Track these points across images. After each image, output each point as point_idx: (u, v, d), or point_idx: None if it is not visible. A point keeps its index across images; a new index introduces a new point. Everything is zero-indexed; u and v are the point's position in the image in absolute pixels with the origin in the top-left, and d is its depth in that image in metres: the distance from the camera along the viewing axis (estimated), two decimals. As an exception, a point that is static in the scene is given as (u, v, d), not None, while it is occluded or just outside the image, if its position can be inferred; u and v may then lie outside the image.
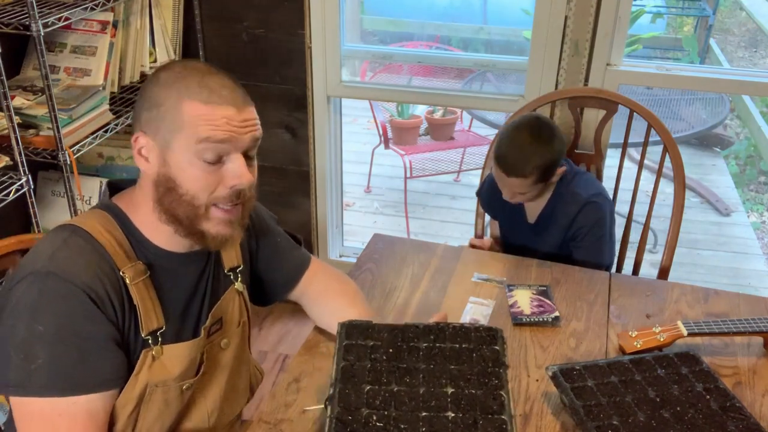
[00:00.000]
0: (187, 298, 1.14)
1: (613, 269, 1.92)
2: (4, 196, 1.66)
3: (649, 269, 2.86)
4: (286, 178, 2.58)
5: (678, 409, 1.09)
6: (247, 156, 1.06)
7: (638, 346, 1.34)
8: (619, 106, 2.00)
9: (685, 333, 1.34)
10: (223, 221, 1.06)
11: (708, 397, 1.13)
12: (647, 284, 1.63)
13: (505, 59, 2.47)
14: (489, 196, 1.94)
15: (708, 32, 5.49)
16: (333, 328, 1.24)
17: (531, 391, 1.28)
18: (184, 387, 1.13)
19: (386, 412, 1.03)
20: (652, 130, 1.95)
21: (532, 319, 1.46)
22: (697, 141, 4.65)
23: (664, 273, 1.92)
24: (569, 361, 1.35)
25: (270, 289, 1.37)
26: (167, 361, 1.09)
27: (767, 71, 2.27)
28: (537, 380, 1.30)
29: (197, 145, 1.00)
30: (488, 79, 4.17)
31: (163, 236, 1.08)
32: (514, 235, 1.94)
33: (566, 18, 2.08)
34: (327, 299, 1.38)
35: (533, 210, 1.86)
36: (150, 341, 1.07)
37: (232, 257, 1.24)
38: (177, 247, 1.10)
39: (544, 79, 2.18)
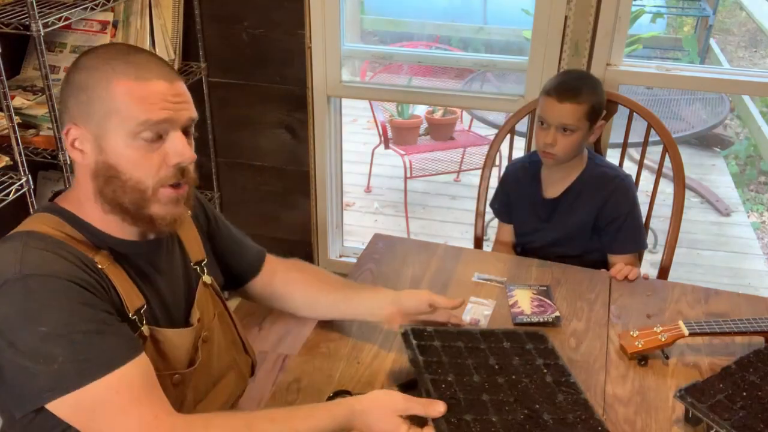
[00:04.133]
0: (160, 285, 1.12)
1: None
2: (4, 196, 1.66)
3: (649, 269, 2.85)
4: (286, 178, 2.58)
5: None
6: (185, 132, 1.04)
7: (639, 346, 1.34)
8: (619, 106, 2.00)
9: (687, 333, 1.34)
10: (172, 200, 1.04)
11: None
12: (648, 284, 1.62)
13: (505, 59, 2.47)
14: (510, 187, 1.95)
15: (708, 32, 5.49)
16: (316, 312, 1.37)
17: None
18: (175, 377, 1.11)
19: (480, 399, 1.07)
20: (652, 130, 1.95)
21: (532, 319, 1.46)
22: (697, 141, 4.65)
23: (664, 273, 1.92)
24: (570, 361, 1.35)
25: (236, 274, 1.36)
26: (155, 346, 1.07)
27: (767, 71, 2.27)
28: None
29: (135, 127, 0.98)
30: (488, 79, 4.17)
31: (115, 227, 1.06)
32: (528, 218, 1.93)
33: (566, 18, 2.08)
34: (301, 286, 1.39)
35: (556, 185, 1.85)
36: (137, 321, 1.05)
37: (195, 251, 1.22)
38: (132, 236, 1.08)
39: (544, 79, 2.18)
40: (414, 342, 1.15)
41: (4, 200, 1.66)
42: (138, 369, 0.99)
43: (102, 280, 1.02)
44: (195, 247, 1.23)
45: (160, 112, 0.99)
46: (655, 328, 1.36)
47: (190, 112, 1.04)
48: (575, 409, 1.09)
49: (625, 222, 1.80)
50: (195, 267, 1.22)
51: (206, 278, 1.23)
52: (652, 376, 1.32)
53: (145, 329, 1.06)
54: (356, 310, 1.36)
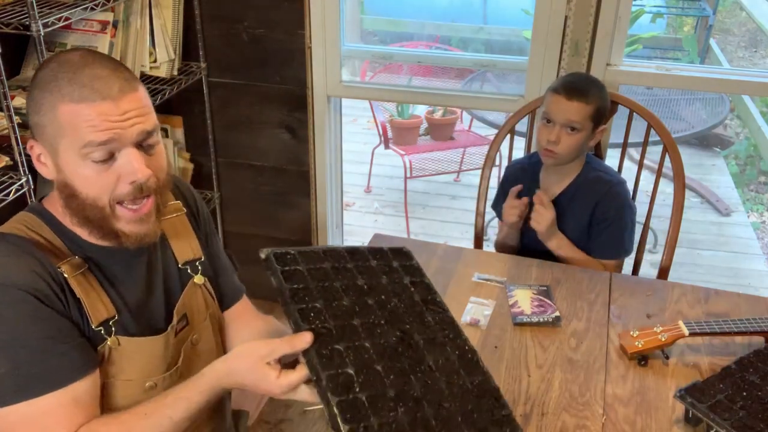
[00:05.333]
0: (136, 292, 1.11)
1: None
2: (4, 196, 1.66)
3: (649, 269, 2.86)
4: (286, 178, 2.58)
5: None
6: (142, 146, 1.01)
7: (639, 345, 1.34)
8: (619, 106, 2.00)
9: (687, 333, 1.34)
10: (133, 220, 1.03)
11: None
12: (648, 284, 1.63)
13: (505, 59, 2.47)
14: (510, 187, 1.93)
15: (708, 32, 5.49)
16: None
17: (531, 391, 1.28)
18: (147, 385, 1.10)
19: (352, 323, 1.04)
20: (652, 130, 1.94)
21: (532, 319, 1.46)
22: (697, 141, 4.65)
23: (664, 273, 1.92)
24: (570, 361, 1.35)
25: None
26: (125, 354, 1.07)
27: (767, 71, 2.27)
28: (536, 379, 1.30)
29: (81, 149, 0.97)
30: (488, 79, 4.17)
31: (89, 234, 1.06)
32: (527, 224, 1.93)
33: (566, 18, 2.08)
34: (245, 328, 1.31)
35: (553, 187, 1.85)
36: (103, 332, 1.04)
37: (186, 251, 1.20)
38: (109, 242, 1.07)
39: (544, 79, 2.18)
40: (278, 268, 1.07)
41: (4, 200, 1.66)
42: (75, 392, 0.99)
43: (63, 292, 1.01)
44: (186, 246, 1.21)
45: (102, 133, 0.96)
46: (655, 328, 1.36)
47: (144, 124, 1.00)
48: (443, 328, 1.10)
49: (609, 228, 1.80)
50: (185, 267, 1.20)
51: (198, 278, 1.21)
52: (652, 376, 1.32)
53: (111, 341, 1.05)
54: None
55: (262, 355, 0.99)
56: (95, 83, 0.96)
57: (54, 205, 1.07)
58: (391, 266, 1.18)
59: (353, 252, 1.17)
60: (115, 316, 1.06)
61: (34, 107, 1.00)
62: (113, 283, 1.08)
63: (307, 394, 0.99)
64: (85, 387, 1.01)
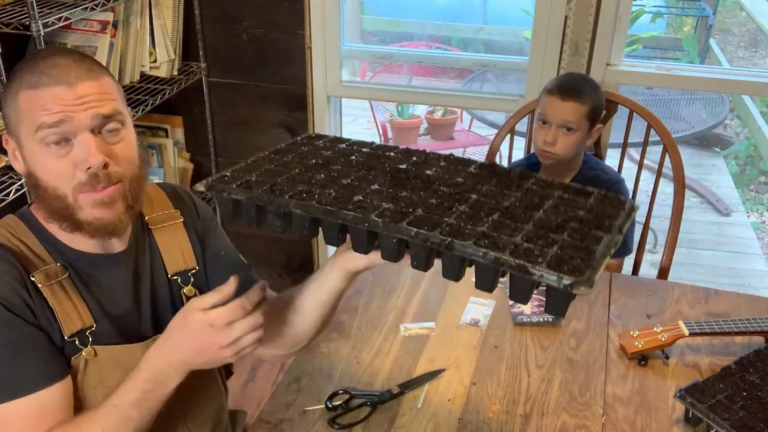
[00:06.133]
0: (117, 298, 1.10)
1: (614, 269, 1.92)
2: (4, 196, 1.66)
3: (649, 269, 2.86)
4: (286, 178, 2.58)
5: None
6: (101, 132, 1.00)
7: (639, 346, 1.34)
8: (619, 106, 2.00)
9: (687, 333, 1.34)
10: (97, 203, 1.00)
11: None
12: (647, 284, 1.63)
13: (505, 59, 2.47)
14: None
15: (708, 32, 5.49)
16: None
17: (531, 391, 1.28)
18: None
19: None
20: (652, 130, 1.95)
21: (532, 319, 1.46)
22: (697, 141, 4.65)
23: (664, 273, 1.92)
24: (570, 361, 1.35)
25: None
26: (103, 363, 1.05)
27: (767, 71, 2.27)
28: (537, 380, 1.30)
29: (36, 133, 0.97)
30: (488, 79, 4.17)
31: (71, 238, 1.05)
32: None
33: (566, 18, 2.08)
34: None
35: None
36: (78, 342, 1.02)
37: (178, 261, 1.18)
38: (93, 248, 1.07)
39: (544, 79, 2.18)
40: (232, 185, 0.97)
41: (4, 200, 1.66)
42: (40, 401, 0.98)
43: (34, 301, 1.00)
44: (179, 257, 1.18)
45: (54, 115, 0.96)
46: (655, 328, 1.36)
47: (99, 108, 0.98)
48: (410, 155, 1.06)
49: None
50: (175, 278, 1.17)
51: (188, 290, 1.18)
52: (652, 376, 1.32)
53: (87, 351, 1.03)
54: (311, 292, 1.15)
55: (192, 307, 0.96)
56: (53, 70, 0.97)
57: (39, 210, 1.06)
58: (317, 145, 1.10)
59: (278, 151, 1.08)
60: (92, 326, 1.04)
61: (4, 100, 1.01)
62: (94, 291, 1.07)
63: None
64: (51, 395, 0.99)
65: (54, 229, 1.05)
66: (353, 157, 1.04)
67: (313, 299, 1.12)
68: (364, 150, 1.07)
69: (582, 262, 0.78)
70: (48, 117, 0.96)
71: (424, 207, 0.89)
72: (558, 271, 0.76)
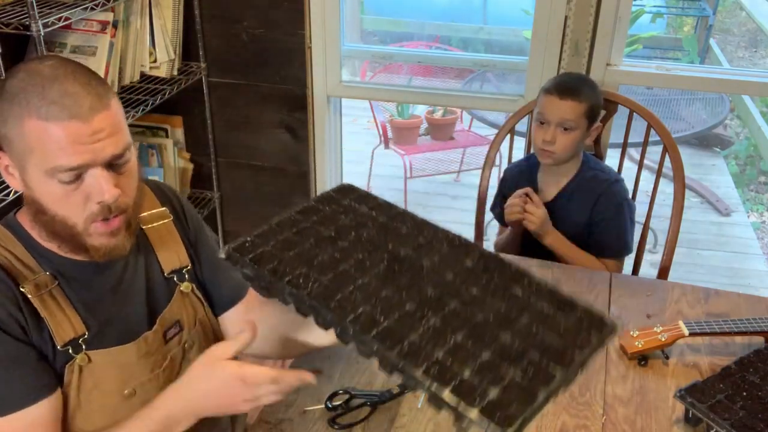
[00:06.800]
0: (109, 302, 1.09)
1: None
2: (4, 196, 1.66)
3: (649, 269, 2.86)
4: (286, 178, 2.58)
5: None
6: (113, 165, 0.98)
7: (639, 346, 1.34)
8: (619, 106, 2.00)
9: (687, 333, 1.34)
10: (104, 234, 1.00)
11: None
12: (648, 284, 1.63)
13: (505, 59, 2.47)
14: (508, 189, 1.93)
15: (708, 32, 5.49)
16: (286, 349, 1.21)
17: (531, 391, 1.28)
18: (125, 392, 1.08)
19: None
20: (652, 130, 1.95)
21: (532, 319, 1.46)
22: (697, 141, 4.65)
23: (664, 273, 1.92)
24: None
25: (210, 302, 1.26)
26: (97, 368, 1.05)
27: (767, 71, 2.27)
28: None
29: (48, 171, 0.94)
30: (488, 79, 4.17)
31: (60, 248, 1.04)
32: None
33: (566, 18, 2.08)
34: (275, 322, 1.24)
35: (551, 188, 1.86)
36: (71, 350, 1.02)
37: (173, 259, 1.18)
38: (81, 255, 1.05)
39: (544, 79, 2.17)
40: (244, 257, 1.03)
41: (4, 200, 1.66)
42: (26, 418, 0.97)
43: (23, 313, 0.99)
44: (173, 255, 1.18)
45: (73, 157, 0.93)
46: (655, 328, 1.36)
47: (114, 147, 0.96)
48: (421, 231, 1.07)
49: (608, 226, 1.80)
50: (171, 276, 1.18)
51: (185, 286, 1.19)
52: (652, 376, 1.32)
53: (80, 358, 1.03)
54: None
55: (217, 357, 0.97)
56: (65, 100, 0.92)
57: (26, 219, 1.05)
58: (343, 204, 1.14)
59: (303, 211, 1.12)
60: (84, 334, 1.04)
61: (1, 118, 0.96)
62: (85, 297, 1.06)
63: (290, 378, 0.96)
64: (41, 411, 0.99)
65: (38, 235, 1.04)
66: (364, 232, 1.07)
67: (302, 341, 1.17)
68: (380, 220, 1.10)
69: (517, 408, 0.78)
70: (66, 160, 0.93)
71: (399, 314, 0.91)
72: (489, 419, 0.77)
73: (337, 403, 1.22)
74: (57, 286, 1.03)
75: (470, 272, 0.99)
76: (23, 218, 1.05)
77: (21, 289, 0.99)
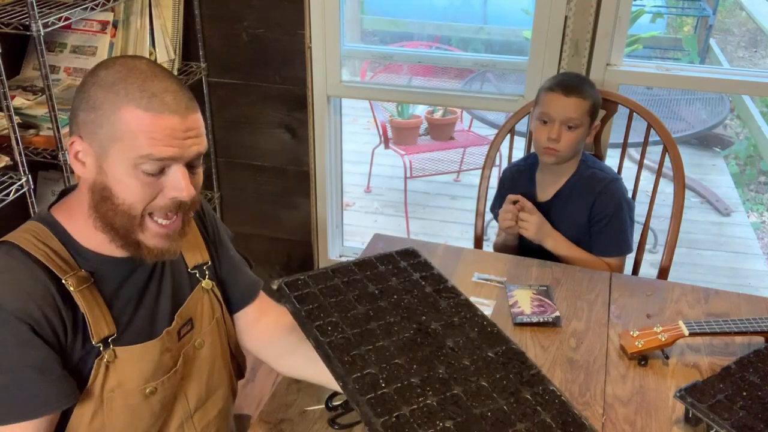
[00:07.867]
0: (139, 300, 1.10)
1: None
2: (4, 196, 1.66)
3: (649, 269, 2.86)
4: (286, 178, 2.58)
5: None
6: (191, 165, 1.02)
7: (639, 345, 1.34)
8: (619, 106, 2.00)
9: (687, 333, 1.34)
10: (160, 234, 1.02)
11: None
12: (648, 284, 1.63)
13: (505, 59, 2.47)
14: (507, 190, 1.93)
15: (708, 32, 5.49)
16: (294, 370, 1.24)
17: (531, 391, 1.28)
18: (147, 390, 1.09)
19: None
20: (652, 130, 1.95)
21: (532, 319, 1.46)
22: (697, 141, 4.65)
23: (664, 273, 1.92)
24: (570, 361, 1.35)
25: (227, 300, 1.28)
26: (121, 365, 1.06)
27: (767, 71, 2.27)
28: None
29: (136, 159, 0.96)
30: (488, 79, 4.16)
31: (101, 243, 1.04)
32: None
33: (566, 18, 2.08)
34: (281, 334, 1.28)
35: (549, 187, 1.86)
36: (101, 348, 1.03)
37: (195, 255, 1.20)
38: (117, 251, 1.06)
39: (544, 79, 2.17)
40: (291, 294, 1.10)
41: (4, 200, 1.66)
42: (40, 426, 0.98)
43: (59, 311, 0.99)
44: (196, 250, 1.20)
45: (165, 149, 0.96)
46: (655, 328, 1.36)
47: (200, 146, 1.00)
48: (459, 311, 1.11)
49: (608, 225, 1.80)
50: (194, 272, 1.20)
51: (206, 283, 1.20)
52: (652, 376, 1.32)
53: (108, 354, 1.04)
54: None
55: None
56: (166, 96, 0.96)
57: (64, 213, 1.06)
58: (399, 267, 1.20)
59: (361, 264, 1.19)
60: (114, 334, 1.05)
61: (89, 104, 0.97)
62: (117, 296, 1.07)
63: None
64: (47, 423, 1.00)
65: (76, 231, 1.04)
66: (406, 297, 1.13)
67: (301, 364, 1.22)
68: (426, 290, 1.15)
69: None
70: (157, 150, 0.95)
71: (400, 385, 0.94)
72: None
73: (337, 403, 1.22)
74: (93, 283, 1.04)
75: (488, 363, 1.01)
76: (61, 215, 1.06)
77: (63, 282, 1.00)
